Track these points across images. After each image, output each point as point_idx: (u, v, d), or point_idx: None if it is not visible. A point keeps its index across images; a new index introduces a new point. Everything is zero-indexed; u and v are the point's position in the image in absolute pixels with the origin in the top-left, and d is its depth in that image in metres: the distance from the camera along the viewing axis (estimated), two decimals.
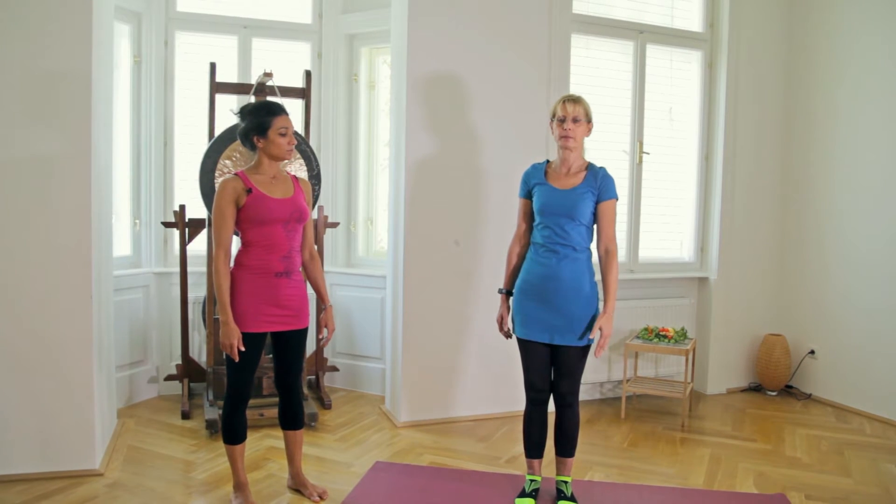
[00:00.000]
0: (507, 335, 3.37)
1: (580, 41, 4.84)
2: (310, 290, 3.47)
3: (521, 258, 3.33)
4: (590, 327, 3.14)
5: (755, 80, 5.27)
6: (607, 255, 3.19)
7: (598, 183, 3.17)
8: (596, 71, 4.96)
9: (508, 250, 3.38)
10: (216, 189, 3.04)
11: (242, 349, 2.99)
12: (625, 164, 5.08)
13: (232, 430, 3.15)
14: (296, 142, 3.13)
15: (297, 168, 4.45)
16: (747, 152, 5.28)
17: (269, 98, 4.35)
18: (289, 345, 3.21)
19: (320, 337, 3.25)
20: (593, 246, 3.25)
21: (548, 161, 3.32)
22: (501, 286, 3.41)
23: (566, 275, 3.13)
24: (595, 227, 3.23)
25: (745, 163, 5.27)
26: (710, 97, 5.26)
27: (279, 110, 3.07)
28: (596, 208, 3.18)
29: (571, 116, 3.13)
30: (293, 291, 3.12)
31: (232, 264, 3.10)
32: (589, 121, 3.19)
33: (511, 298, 3.31)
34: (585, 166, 3.22)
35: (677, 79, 5.26)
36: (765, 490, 3.57)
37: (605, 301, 3.17)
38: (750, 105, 5.26)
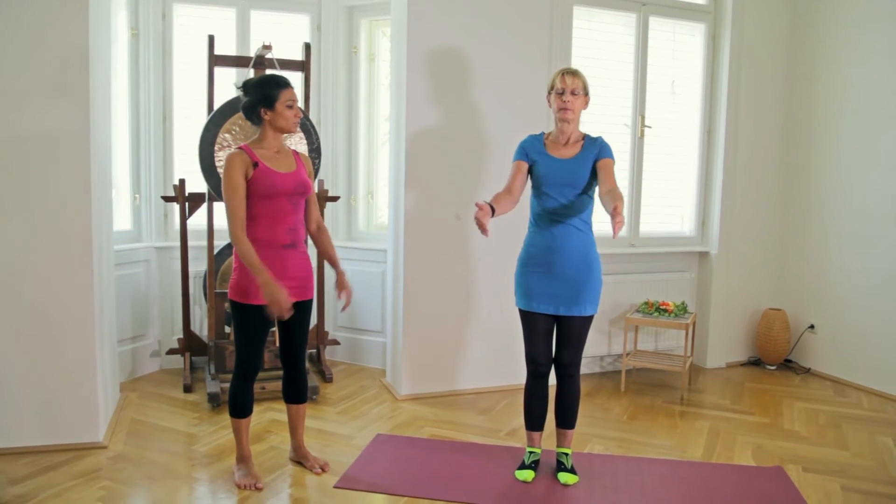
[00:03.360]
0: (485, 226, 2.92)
1: (582, 13, 4.79)
2: (314, 263, 3.47)
3: (509, 204, 3.13)
4: (595, 296, 3.18)
5: (759, 52, 5.22)
6: (611, 191, 3.00)
7: (598, 146, 3.20)
8: (598, 43, 4.91)
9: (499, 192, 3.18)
10: (223, 164, 3.02)
11: (290, 307, 2.94)
12: (626, 137, 5.05)
13: (240, 404, 3.18)
14: (301, 115, 3.13)
15: (297, 142, 4.43)
16: (749, 126, 5.24)
17: (269, 71, 4.33)
18: (295, 316, 3.21)
19: (340, 298, 3.24)
20: (594, 217, 3.26)
21: (544, 132, 3.32)
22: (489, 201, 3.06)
23: (573, 245, 3.15)
24: (596, 184, 3.17)
25: (747, 137, 5.24)
26: (712, 70, 5.21)
27: (285, 83, 3.07)
28: (595, 166, 3.16)
29: (570, 89, 3.14)
30: (299, 262, 3.14)
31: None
32: (586, 94, 3.21)
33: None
34: (582, 136, 3.25)
35: (680, 52, 5.21)
36: (762, 462, 3.60)
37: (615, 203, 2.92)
38: (753, 78, 5.21)
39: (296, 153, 3.22)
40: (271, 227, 3.05)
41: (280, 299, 2.90)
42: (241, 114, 4.29)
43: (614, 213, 2.80)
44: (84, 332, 3.51)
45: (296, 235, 3.12)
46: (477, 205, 2.91)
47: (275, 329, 3.90)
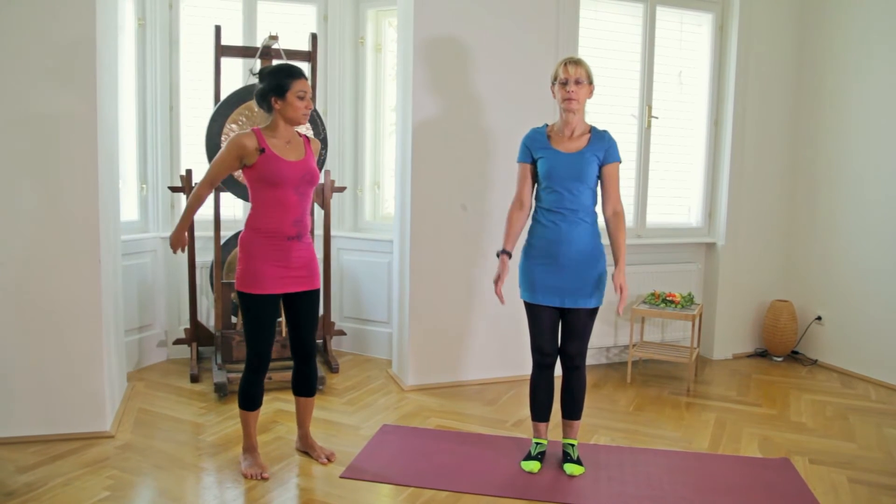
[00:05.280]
0: (502, 298, 3.28)
1: (589, 3, 4.76)
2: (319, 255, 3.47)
3: (522, 223, 3.31)
4: (600, 287, 3.17)
5: (767, 43, 5.18)
6: (615, 217, 3.23)
7: (605, 146, 3.17)
8: (605, 34, 4.88)
9: (508, 214, 3.32)
10: (231, 140, 3.02)
11: (182, 252, 3.25)
12: (633, 128, 5.03)
13: (250, 397, 3.19)
14: (312, 107, 3.12)
15: (304, 132, 4.42)
16: (757, 117, 5.21)
17: (276, 61, 4.32)
18: (302, 306, 3.21)
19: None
20: (598, 209, 3.25)
21: (547, 125, 3.30)
22: (501, 248, 3.31)
23: (578, 237, 3.15)
24: (600, 189, 3.23)
25: (754, 128, 5.21)
26: (720, 61, 5.18)
27: (299, 73, 3.05)
28: (601, 171, 3.18)
29: (574, 78, 3.12)
30: (303, 253, 3.14)
31: (244, 228, 3.11)
32: (591, 82, 3.18)
33: (511, 260, 3.28)
34: (588, 129, 3.22)
35: (687, 42, 5.18)
36: (769, 454, 3.60)
37: (618, 260, 3.21)
38: (761, 69, 5.18)
39: (306, 139, 3.21)
40: (277, 218, 3.04)
41: (174, 246, 3.13)
42: (248, 104, 4.31)
43: (622, 294, 3.13)
44: (91, 321, 3.52)
45: (301, 227, 3.12)
46: (497, 293, 3.25)
47: (282, 319, 3.91)
